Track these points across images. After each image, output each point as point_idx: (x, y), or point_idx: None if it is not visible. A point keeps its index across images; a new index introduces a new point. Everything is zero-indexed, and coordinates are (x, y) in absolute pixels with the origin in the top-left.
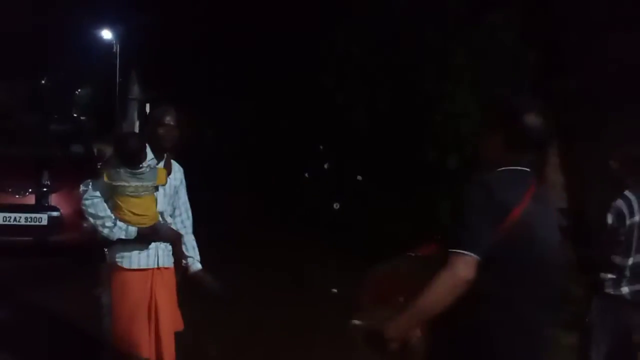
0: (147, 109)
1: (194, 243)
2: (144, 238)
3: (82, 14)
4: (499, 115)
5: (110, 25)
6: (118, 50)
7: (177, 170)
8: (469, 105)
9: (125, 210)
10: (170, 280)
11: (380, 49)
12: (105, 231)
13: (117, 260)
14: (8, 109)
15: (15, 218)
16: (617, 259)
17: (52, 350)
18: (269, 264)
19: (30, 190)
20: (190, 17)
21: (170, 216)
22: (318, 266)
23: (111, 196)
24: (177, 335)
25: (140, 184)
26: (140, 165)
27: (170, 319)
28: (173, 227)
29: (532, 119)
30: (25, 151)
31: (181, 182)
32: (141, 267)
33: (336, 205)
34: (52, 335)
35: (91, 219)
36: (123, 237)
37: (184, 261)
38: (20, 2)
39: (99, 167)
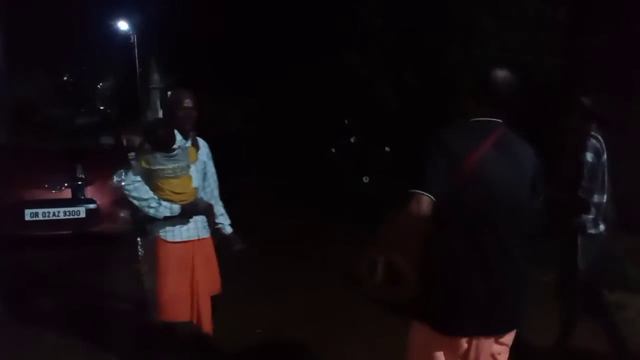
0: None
1: (223, 210)
2: (186, 213)
3: (97, 6)
4: (475, 79)
5: (126, 16)
6: (135, 41)
7: (203, 145)
8: None
9: (167, 191)
10: (209, 249)
11: (403, 21)
12: (152, 211)
13: (161, 234)
14: (36, 105)
15: (54, 213)
16: (596, 198)
17: (99, 326)
18: (297, 246)
19: (66, 184)
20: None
21: (201, 188)
22: (343, 246)
23: (150, 179)
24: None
25: (177, 165)
26: (173, 148)
27: (209, 285)
28: (204, 197)
29: (498, 81)
30: (57, 146)
31: (207, 155)
32: (183, 240)
33: (365, 179)
34: (98, 314)
35: (136, 202)
36: (168, 214)
37: (215, 227)
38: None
39: (130, 156)
